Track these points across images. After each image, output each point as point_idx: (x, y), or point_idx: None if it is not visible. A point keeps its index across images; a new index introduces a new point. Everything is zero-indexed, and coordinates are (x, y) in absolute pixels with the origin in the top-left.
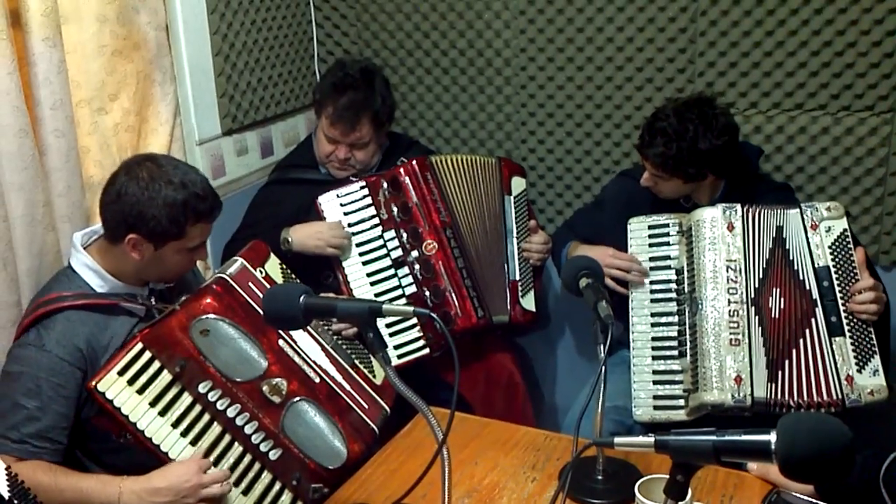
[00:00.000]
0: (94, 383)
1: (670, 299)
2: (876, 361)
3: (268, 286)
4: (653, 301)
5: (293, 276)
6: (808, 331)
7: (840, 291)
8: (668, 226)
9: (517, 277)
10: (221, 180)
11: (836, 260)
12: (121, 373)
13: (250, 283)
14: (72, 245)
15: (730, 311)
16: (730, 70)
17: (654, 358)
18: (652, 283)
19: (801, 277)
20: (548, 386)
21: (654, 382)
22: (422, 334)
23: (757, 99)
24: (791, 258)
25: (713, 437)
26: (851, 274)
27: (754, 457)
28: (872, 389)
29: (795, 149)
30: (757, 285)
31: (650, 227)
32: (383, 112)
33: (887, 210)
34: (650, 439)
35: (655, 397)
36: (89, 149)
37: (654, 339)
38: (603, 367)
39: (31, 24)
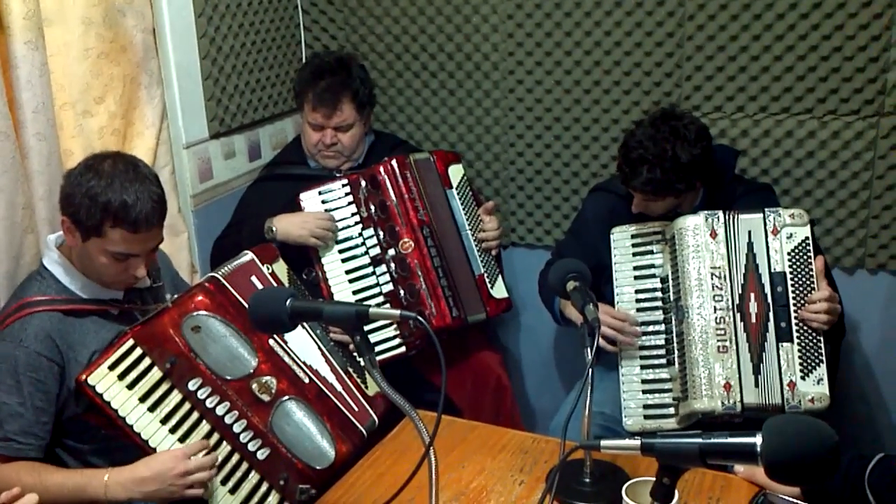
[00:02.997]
0: (84, 377)
1: (656, 308)
2: (821, 370)
3: (273, 283)
4: (639, 310)
5: (298, 281)
6: (767, 334)
7: (793, 298)
8: (651, 234)
9: (482, 270)
10: (209, 183)
11: (794, 267)
12: (111, 367)
13: (253, 277)
14: (45, 245)
15: (716, 318)
16: (717, 74)
17: (642, 367)
18: (637, 291)
19: (763, 282)
20: (537, 389)
21: (644, 391)
22: (398, 333)
23: (744, 103)
24: (757, 262)
25: (699, 440)
26: (808, 282)
27: (740, 459)
28: (814, 397)
29: (782, 152)
30: (740, 291)
31: (633, 237)
32: (363, 93)
33: (873, 213)
34: (636, 442)
35: (645, 406)
36: (73, 151)
37: (641, 347)
38: (590, 370)
39: (13, 26)
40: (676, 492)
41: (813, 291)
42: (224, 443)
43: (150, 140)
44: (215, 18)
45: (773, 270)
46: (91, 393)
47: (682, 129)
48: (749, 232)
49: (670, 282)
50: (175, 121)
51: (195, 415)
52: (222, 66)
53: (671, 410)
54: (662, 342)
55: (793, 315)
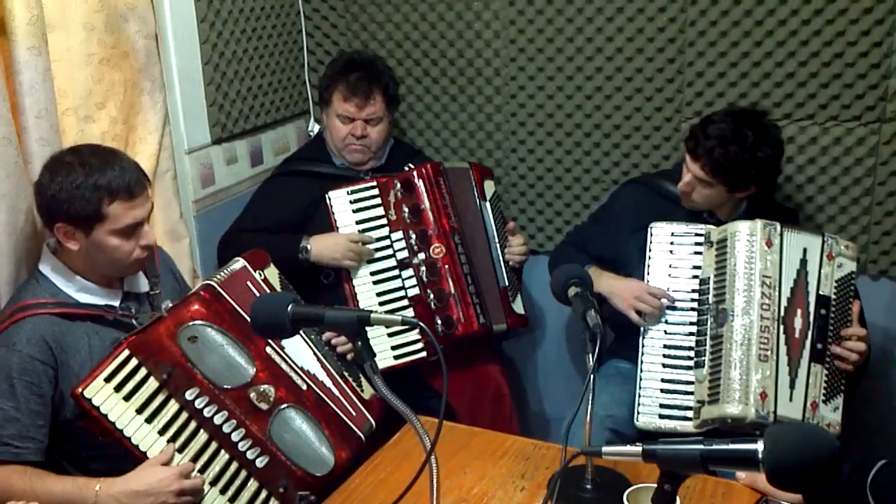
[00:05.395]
0: (80, 390)
1: (690, 309)
2: (839, 400)
3: (266, 289)
4: (670, 308)
5: (290, 286)
6: (804, 352)
7: (832, 323)
8: (693, 235)
9: (506, 283)
10: (210, 189)
11: (838, 295)
12: (107, 379)
13: (248, 283)
14: (43, 251)
15: (761, 326)
16: (718, 80)
17: (664, 366)
18: (670, 290)
19: (809, 300)
20: (538, 397)
21: (663, 391)
22: (421, 337)
23: None
24: (808, 280)
25: (700, 446)
26: (846, 315)
27: (742, 466)
28: (830, 422)
29: (784, 158)
30: (786, 304)
31: (674, 234)
32: (392, 89)
33: (875, 220)
34: (638, 448)
35: (662, 406)
36: None
37: (666, 346)
38: (592, 376)
39: (17, 32)
40: (678, 498)
41: (848, 326)
42: (222, 451)
43: (152, 145)
44: (217, 24)
45: (820, 292)
46: (87, 406)
47: (766, 127)
48: (805, 249)
49: (711, 284)
50: (177, 126)
51: (193, 424)
52: (224, 72)
53: (689, 413)
54: (692, 344)
55: (828, 340)
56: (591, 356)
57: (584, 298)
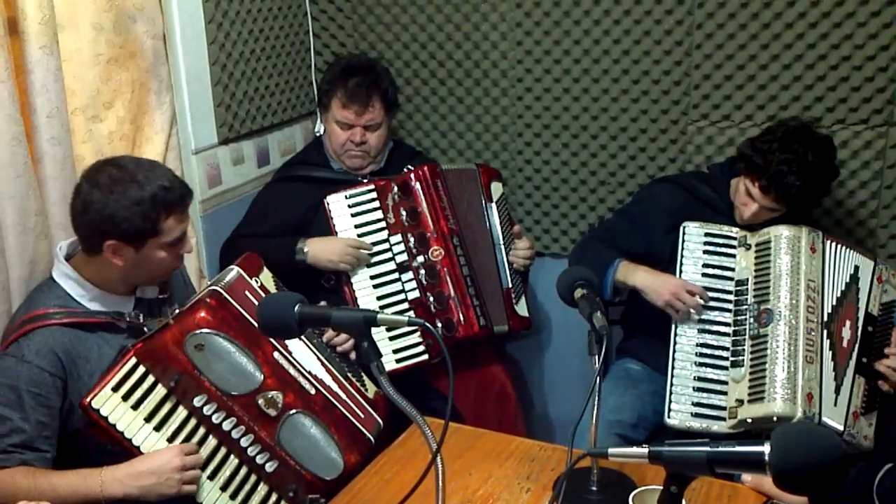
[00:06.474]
0: (88, 400)
1: (726, 309)
2: (874, 416)
3: (263, 296)
4: (704, 308)
5: (285, 289)
6: (850, 362)
7: (875, 342)
8: (728, 237)
9: (509, 285)
10: (217, 189)
11: (881, 317)
12: (115, 388)
13: (246, 292)
14: (55, 256)
15: (807, 328)
16: (725, 83)
17: (699, 365)
18: (704, 289)
19: (859, 315)
20: (543, 399)
21: (696, 389)
22: (422, 340)
23: (752, 112)
24: (859, 296)
25: (707, 449)
26: (886, 337)
27: (748, 468)
28: (867, 435)
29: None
30: (830, 311)
31: (707, 235)
32: (391, 94)
33: (882, 223)
34: (644, 450)
35: (696, 405)
36: (84, 157)
37: (700, 345)
38: (598, 378)
39: (29, 31)
40: (684, 500)
41: (887, 349)
42: (232, 456)
43: (159, 145)
44: (225, 24)
45: (868, 310)
46: (96, 416)
47: (821, 142)
48: (857, 267)
49: (750, 285)
50: (184, 126)
51: (202, 431)
52: (232, 73)
53: (723, 413)
54: (727, 344)
55: (872, 357)
56: (597, 358)
57: (590, 300)
